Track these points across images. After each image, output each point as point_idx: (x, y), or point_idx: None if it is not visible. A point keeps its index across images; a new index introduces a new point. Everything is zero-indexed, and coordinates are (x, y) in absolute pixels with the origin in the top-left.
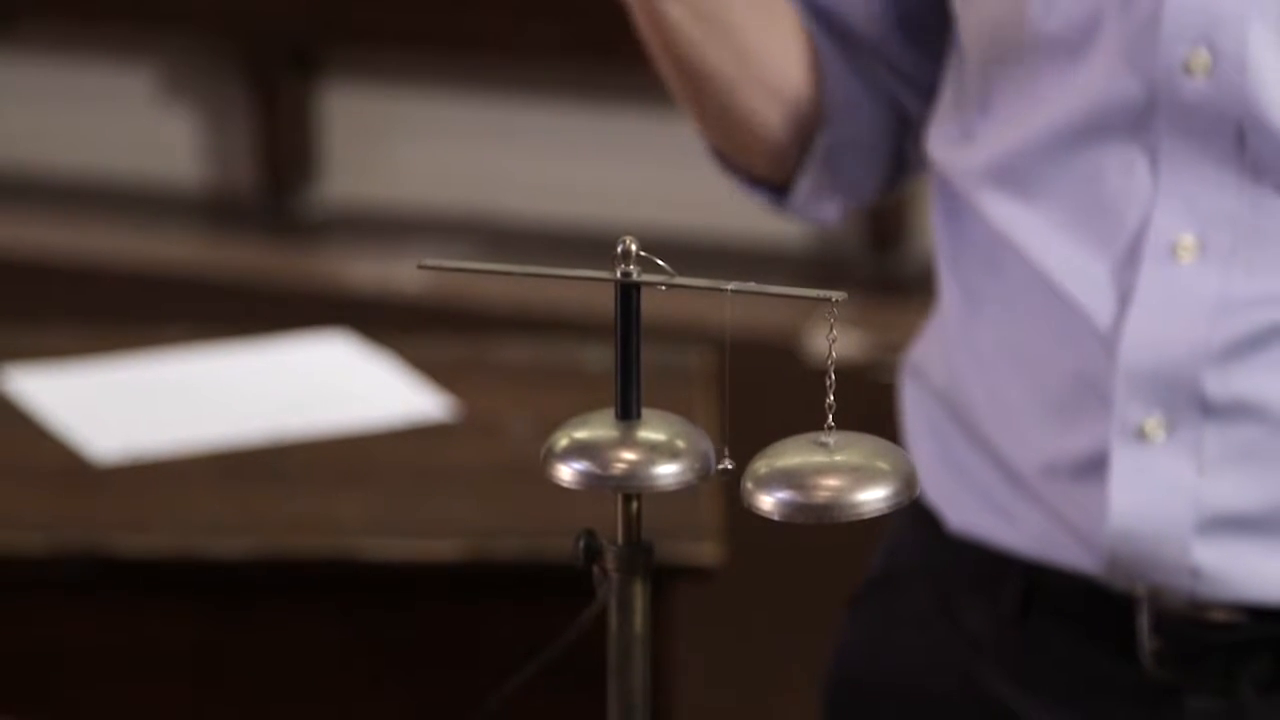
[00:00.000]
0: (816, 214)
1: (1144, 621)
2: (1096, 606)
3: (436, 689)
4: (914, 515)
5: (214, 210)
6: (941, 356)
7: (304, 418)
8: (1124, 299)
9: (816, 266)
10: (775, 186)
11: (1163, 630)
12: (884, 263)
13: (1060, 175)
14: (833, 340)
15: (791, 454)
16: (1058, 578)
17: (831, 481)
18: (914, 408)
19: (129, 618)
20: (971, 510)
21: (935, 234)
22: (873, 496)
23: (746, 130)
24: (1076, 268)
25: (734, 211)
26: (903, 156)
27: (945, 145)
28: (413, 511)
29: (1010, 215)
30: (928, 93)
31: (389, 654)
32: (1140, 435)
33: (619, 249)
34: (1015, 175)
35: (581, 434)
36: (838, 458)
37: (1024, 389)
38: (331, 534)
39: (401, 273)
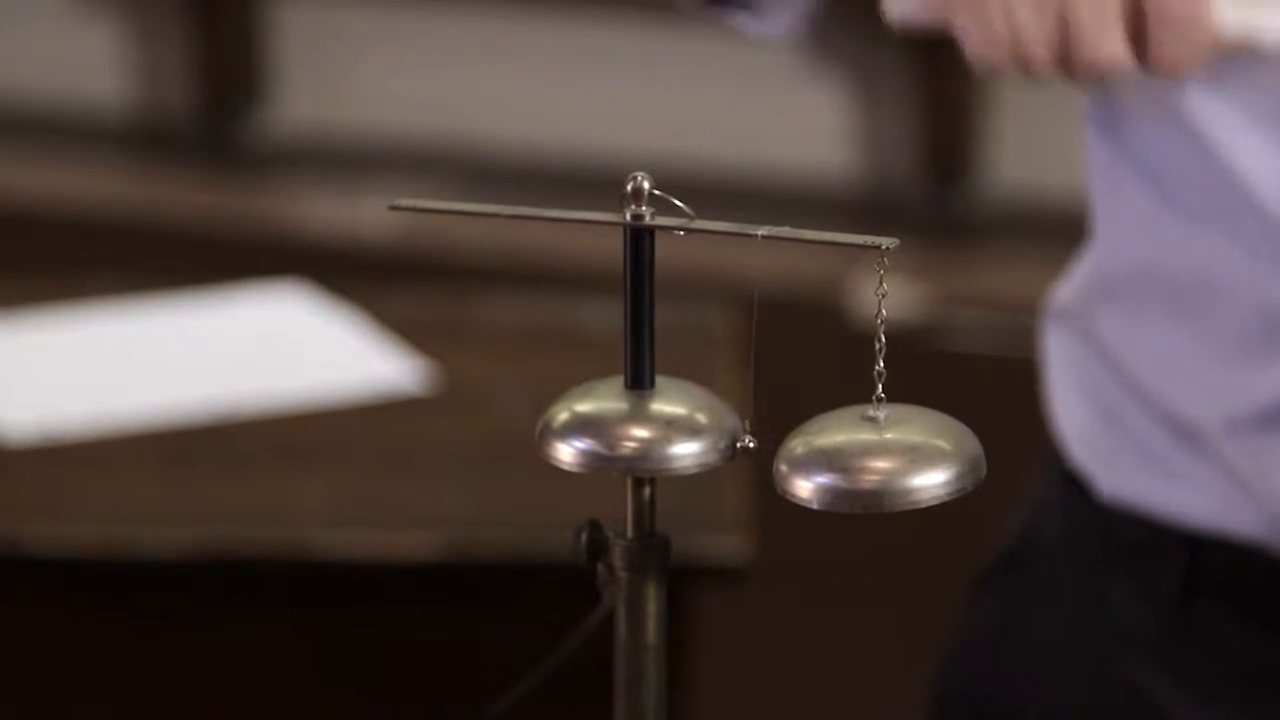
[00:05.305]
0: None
1: None
2: (1275, 588)
3: (409, 710)
4: (1060, 483)
5: (143, 138)
6: (1095, 296)
7: (253, 388)
8: None
9: (864, 207)
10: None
11: None
12: (946, 200)
13: (1262, 62)
14: (882, 296)
15: (834, 431)
16: (1230, 553)
17: (881, 464)
18: (1061, 358)
19: (47, 624)
20: (1131, 473)
21: (1089, 151)
22: (930, 482)
23: None
24: (1275, 171)
25: (765, 141)
26: None
27: None
28: (381, 500)
29: (1199, 109)
30: None
31: (352, 668)
32: None
33: (629, 187)
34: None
35: (584, 407)
36: (888, 435)
37: (1201, 326)
38: (285, 526)
39: (368, 214)
